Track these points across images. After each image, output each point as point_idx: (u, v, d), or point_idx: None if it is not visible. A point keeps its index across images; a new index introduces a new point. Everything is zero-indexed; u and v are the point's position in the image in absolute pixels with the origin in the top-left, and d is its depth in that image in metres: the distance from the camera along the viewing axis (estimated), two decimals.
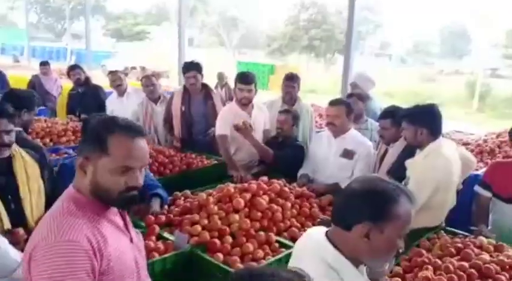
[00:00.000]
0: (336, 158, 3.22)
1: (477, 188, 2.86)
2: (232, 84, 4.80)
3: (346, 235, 1.32)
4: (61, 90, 6.98)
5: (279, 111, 3.68)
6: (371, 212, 1.28)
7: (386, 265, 1.39)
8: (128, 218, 1.46)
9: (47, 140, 4.14)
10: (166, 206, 2.70)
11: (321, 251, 1.36)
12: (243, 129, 3.45)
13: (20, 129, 2.76)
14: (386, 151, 3.19)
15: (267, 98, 8.67)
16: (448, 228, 2.63)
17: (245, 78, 3.64)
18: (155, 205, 2.51)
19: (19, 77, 9.81)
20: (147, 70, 19.50)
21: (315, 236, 1.45)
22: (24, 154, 2.25)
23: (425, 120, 2.60)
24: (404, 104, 3.29)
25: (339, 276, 1.30)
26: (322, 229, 1.47)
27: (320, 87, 19.31)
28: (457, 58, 35.15)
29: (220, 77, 9.58)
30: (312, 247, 1.41)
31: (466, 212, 2.85)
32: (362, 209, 1.30)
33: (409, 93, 18.48)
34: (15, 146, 2.20)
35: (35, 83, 6.79)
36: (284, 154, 3.43)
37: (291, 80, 4.11)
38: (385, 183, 1.34)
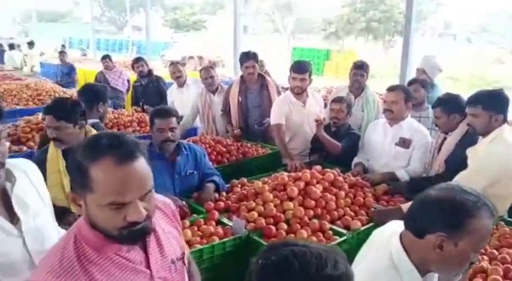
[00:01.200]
0: (392, 146, 3.20)
1: None
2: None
3: (417, 242, 1.29)
4: (128, 84, 6.72)
5: (332, 99, 3.70)
6: (447, 223, 1.24)
7: (457, 277, 1.34)
8: (151, 249, 1.20)
9: (115, 130, 4.45)
10: (224, 193, 2.87)
11: (392, 248, 1.34)
12: (320, 124, 3.43)
13: (98, 121, 3.01)
14: (444, 140, 3.13)
15: (322, 84, 8.66)
16: (509, 219, 2.57)
17: (298, 67, 3.69)
18: (208, 191, 2.74)
19: (87, 70, 10.47)
20: (204, 59, 19.98)
21: (390, 232, 1.43)
22: None
23: (501, 106, 2.51)
24: (470, 88, 3.19)
25: (400, 278, 1.28)
26: (399, 226, 1.40)
27: (379, 71, 18.76)
28: None
29: (260, 64, 9.69)
30: (386, 240, 1.40)
31: None
32: (438, 219, 1.25)
33: (474, 77, 17.51)
34: None
35: (100, 80, 6.64)
36: (341, 143, 3.44)
37: (361, 68, 4.07)
38: (466, 194, 1.26)
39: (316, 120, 3.41)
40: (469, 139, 2.82)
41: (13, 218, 1.30)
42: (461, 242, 1.23)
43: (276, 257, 0.94)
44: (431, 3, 32.38)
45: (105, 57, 6.93)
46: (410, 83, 3.86)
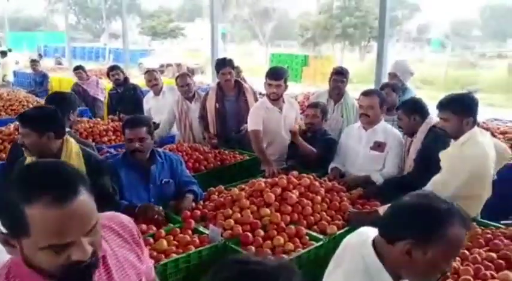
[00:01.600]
0: (367, 150, 3.25)
1: None
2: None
3: (389, 248, 1.28)
4: (105, 93, 6.71)
5: (308, 105, 3.73)
6: (416, 230, 1.23)
7: None
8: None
9: (90, 140, 4.38)
10: (201, 201, 2.85)
11: (365, 253, 1.34)
12: (295, 133, 3.47)
13: (70, 130, 2.96)
14: (410, 144, 3.19)
15: (300, 90, 8.72)
16: (481, 220, 2.62)
17: (274, 73, 3.70)
18: (187, 201, 2.72)
19: (63, 78, 10.32)
20: (182, 67, 19.90)
21: (364, 237, 1.42)
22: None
23: (470, 109, 2.55)
24: (446, 91, 3.26)
25: None
26: (373, 232, 1.40)
27: (355, 77, 19.01)
28: (500, 40, 33.59)
29: (237, 71, 9.76)
30: (360, 244, 1.40)
31: (502, 204, 2.82)
32: (407, 226, 1.24)
33: (448, 80, 17.92)
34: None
35: (79, 92, 6.43)
36: (316, 148, 3.48)
37: (341, 74, 4.13)
38: (439, 202, 1.25)
39: (291, 131, 3.43)
40: (432, 136, 2.93)
41: None
42: (430, 250, 1.22)
43: (223, 275, 0.91)
44: (405, 9, 33.11)
45: (78, 68, 6.75)
46: (382, 87, 3.93)
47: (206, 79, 11.96)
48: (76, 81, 6.67)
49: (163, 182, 2.81)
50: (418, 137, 3.05)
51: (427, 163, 2.77)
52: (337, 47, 29.36)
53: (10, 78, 11.93)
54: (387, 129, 3.26)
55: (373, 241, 1.35)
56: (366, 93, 3.28)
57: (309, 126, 3.61)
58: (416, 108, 3.04)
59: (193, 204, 2.77)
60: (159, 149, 3.04)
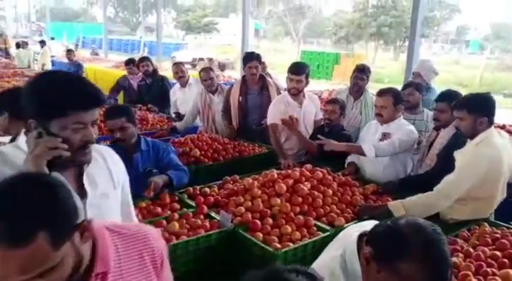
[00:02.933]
0: (376, 142, 3.25)
1: None
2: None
3: (362, 247, 1.33)
4: None
5: (327, 101, 3.77)
6: (378, 247, 1.24)
7: None
8: None
9: None
10: (216, 189, 2.94)
11: (349, 244, 1.38)
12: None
13: None
14: (436, 137, 3.17)
15: (330, 88, 8.72)
16: (493, 220, 2.60)
17: (295, 68, 3.75)
18: (158, 177, 2.63)
19: (97, 68, 10.67)
20: (214, 61, 20.14)
21: (355, 231, 1.45)
22: None
23: (485, 109, 2.54)
24: None
25: (345, 276, 1.33)
26: (369, 225, 1.40)
27: (387, 76, 18.75)
28: None
29: (262, 66, 9.79)
30: (347, 236, 1.45)
31: None
32: (376, 239, 1.27)
33: (483, 83, 17.41)
34: None
35: (125, 86, 6.15)
36: None
37: (362, 71, 4.16)
38: (424, 238, 1.18)
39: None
40: (461, 136, 2.83)
41: (81, 193, 1.34)
42: (383, 272, 1.21)
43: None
44: (444, 10, 32.23)
45: (130, 62, 6.28)
46: (406, 86, 3.91)
47: (236, 74, 12.10)
48: (125, 74, 6.36)
49: (146, 170, 2.77)
50: (446, 132, 3.02)
51: (449, 161, 2.70)
52: (371, 46, 28.97)
53: (48, 67, 12.42)
54: (401, 126, 3.25)
55: (362, 234, 1.38)
56: (380, 94, 3.29)
57: (328, 121, 3.65)
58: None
59: (208, 189, 2.86)
60: (148, 138, 3.02)
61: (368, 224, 1.47)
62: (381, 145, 3.18)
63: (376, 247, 1.24)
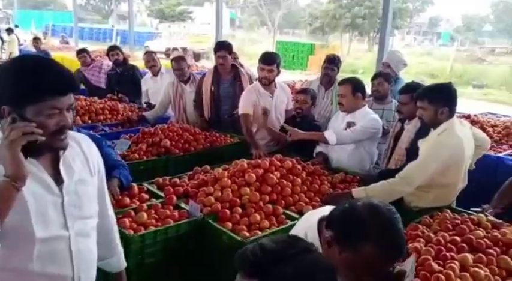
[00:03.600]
0: (341, 131, 3.30)
1: None
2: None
3: (323, 232, 1.36)
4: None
5: (297, 91, 3.80)
6: (338, 229, 1.28)
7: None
8: None
9: (86, 117, 4.47)
10: (186, 179, 2.93)
11: (309, 226, 1.42)
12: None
13: None
14: (401, 129, 3.24)
15: (305, 79, 8.76)
16: (456, 207, 2.69)
17: (266, 58, 3.76)
18: (112, 187, 2.44)
19: (66, 57, 10.39)
20: (188, 51, 19.90)
21: (315, 215, 1.49)
22: None
23: (446, 99, 2.60)
24: None
25: None
26: (327, 210, 1.43)
27: (362, 67, 18.98)
28: None
29: (234, 56, 9.78)
30: (307, 222, 1.49)
31: (479, 194, 2.88)
32: (336, 221, 1.30)
33: (453, 75, 17.82)
34: None
35: (81, 80, 5.95)
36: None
37: (332, 62, 4.22)
38: (379, 217, 1.25)
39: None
40: (427, 129, 2.90)
41: (58, 180, 1.36)
42: (344, 253, 1.26)
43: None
44: (417, 1, 32.73)
45: (82, 51, 6.22)
46: (375, 77, 3.97)
47: (210, 64, 12.01)
48: (79, 67, 6.14)
49: None
50: (413, 125, 3.08)
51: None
52: (346, 37, 29.20)
53: (16, 55, 12.03)
54: (366, 115, 3.29)
55: (321, 219, 1.41)
56: (340, 83, 3.37)
57: (299, 111, 3.68)
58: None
59: (178, 180, 2.85)
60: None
61: (326, 209, 1.50)
62: (342, 132, 3.24)
63: (335, 230, 1.29)
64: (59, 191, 1.36)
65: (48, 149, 1.34)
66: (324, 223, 1.38)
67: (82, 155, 1.47)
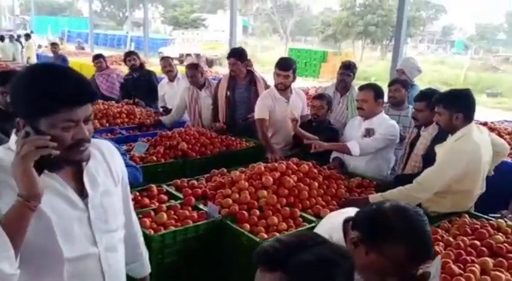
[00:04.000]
0: (361, 139, 3.31)
1: None
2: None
3: (349, 233, 1.37)
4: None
5: (313, 96, 3.82)
6: (364, 229, 1.30)
7: None
8: None
9: (104, 121, 4.55)
10: (204, 181, 2.97)
11: (333, 231, 1.42)
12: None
13: None
14: (417, 135, 3.24)
15: (318, 85, 8.78)
16: (474, 212, 2.68)
17: (283, 64, 3.80)
18: None
19: (83, 63, 10.56)
20: (201, 57, 20.07)
21: (339, 216, 1.49)
22: None
23: (461, 105, 2.59)
24: None
25: None
26: (350, 211, 1.45)
27: (374, 75, 18.94)
28: None
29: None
30: (331, 223, 1.49)
31: (497, 200, 2.87)
32: (362, 222, 1.32)
33: (467, 83, 17.67)
34: None
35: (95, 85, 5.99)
36: (320, 138, 3.53)
37: (348, 68, 4.25)
38: (407, 219, 1.25)
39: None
40: (443, 136, 2.89)
41: (82, 193, 1.30)
42: (372, 254, 1.27)
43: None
44: (431, 10, 32.61)
45: (98, 57, 6.31)
46: (392, 83, 3.99)
47: (224, 70, 12.11)
48: (94, 73, 6.23)
49: None
50: (429, 132, 3.07)
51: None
52: (358, 45, 29.17)
53: (33, 60, 12.27)
54: (383, 121, 3.31)
55: (346, 220, 1.43)
56: (361, 88, 3.37)
57: (315, 117, 3.70)
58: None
59: (195, 182, 2.89)
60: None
61: (349, 211, 1.51)
62: (364, 142, 3.24)
63: (362, 231, 1.29)
64: (84, 206, 1.30)
65: (67, 163, 1.26)
66: (349, 224, 1.39)
67: (105, 164, 1.40)
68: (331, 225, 1.48)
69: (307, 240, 0.98)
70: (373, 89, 3.29)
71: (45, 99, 1.14)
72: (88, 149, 1.26)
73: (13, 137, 1.26)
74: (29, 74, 1.20)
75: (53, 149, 1.16)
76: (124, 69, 6.90)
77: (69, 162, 1.26)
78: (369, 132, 3.28)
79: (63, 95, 1.15)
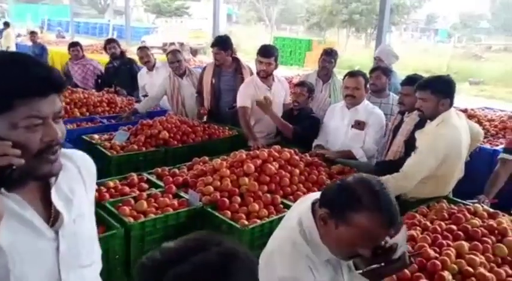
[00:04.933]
0: (348, 129, 3.34)
1: (503, 155, 2.93)
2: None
3: (316, 211, 1.40)
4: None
5: (295, 84, 3.82)
6: (332, 204, 1.33)
7: (344, 258, 1.38)
8: None
9: (84, 109, 4.48)
10: (185, 170, 2.96)
11: (302, 214, 1.44)
12: (264, 105, 3.59)
13: None
14: (401, 121, 3.27)
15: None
16: (452, 198, 2.73)
17: (264, 51, 3.77)
18: None
19: (63, 52, 10.33)
20: (185, 46, 19.83)
21: (306, 200, 1.53)
22: None
23: (449, 91, 2.62)
24: None
25: (306, 242, 1.38)
26: (317, 195, 1.48)
27: (358, 63, 18.99)
28: (509, 34, 33.28)
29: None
30: (299, 208, 1.51)
31: (473, 185, 2.92)
32: (329, 197, 1.35)
33: (450, 71, 17.85)
34: None
35: (67, 75, 5.84)
36: (300, 126, 3.57)
37: (329, 55, 4.25)
38: (367, 188, 1.29)
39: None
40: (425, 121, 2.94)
41: (49, 217, 1.01)
42: (341, 227, 1.30)
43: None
44: None
45: (75, 45, 6.05)
46: (373, 70, 4.00)
47: (208, 59, 11.99)
48: (67, 60, 6.06)
49: None
50: (412, 118, 3.09)
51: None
52: (343, 33, 29.18)
53: (13, 49, 11.97)
54: (368, 109, 3.34)
55: (313, 202, 1.45)
56: (352, 75, 3.35)
57: (296, 104, 3.69)
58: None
59: (177, 170, 2.87)
60: None
61: (316, 194, 1.54)
62: (367, 148, 3.30)
63: (330, 206, 1.33)
64: (54, 234, 1.02)
65: (33, 178, 0.98)
66: (317, 205, 1.42)
67: (80, 181, 1.13)
68: (299, 209, 1.50)
69: (196, 246, 0.84)
70: (363, 76, 3.31)
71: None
72: (59, 159, 1.00)
73: None
74: None
75: (15, 158, 0.88)
76: (104, 59, 6.76)
77: (35, 176, 0.97)
78: (359, 125, 3.29)
79: (18, 83, 0.91)
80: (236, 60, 4.40)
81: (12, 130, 0.91)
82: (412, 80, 3.14)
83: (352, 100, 3.33)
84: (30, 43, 9.89)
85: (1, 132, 0.90)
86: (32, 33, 9.31)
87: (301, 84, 3.72)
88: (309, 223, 1.40)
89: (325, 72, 4.24)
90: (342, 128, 3.37)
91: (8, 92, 0.90)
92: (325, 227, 1.34)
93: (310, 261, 1.35)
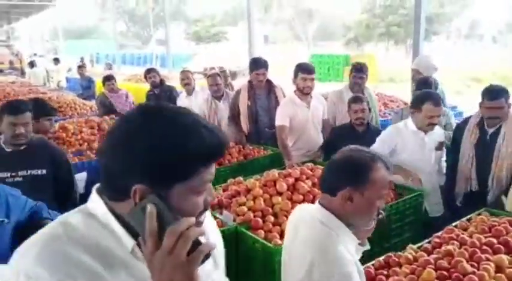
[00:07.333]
0: (432, 152, 3.17)
1: None
2: None
3: (333, 200, 1.46)
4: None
5: (351, 100, 3.64)
6: (351, 178, 1.43)
7: (371, 223, 1.48)
8: None
9: None
10: (221, 191, 3.02)
11: (315, 214, 1.49)
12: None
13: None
14: (481, 137, 3.11)
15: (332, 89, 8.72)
16: (493, 210, 2.61)
17: (307, 68, 3.83)
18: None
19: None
20: (225, 71, 20.25)
21: (308, 207, 1.61)
22: None
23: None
24: None
25: (334, 232, 1.42)
26: (310, 206, 1.61)
27: (399, 76, 18.61)
28: None
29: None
30: (308, 213, 1.54)
31: None
32: (343, 176, 1.45)
33: (499, 78, 17.14)
34: None
35: (106, 105, 6.00)
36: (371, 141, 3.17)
37: (360, 71, 4.23)
38: (362, 152, 1.48)
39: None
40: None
41: None
42: (366, 191, 1.42)
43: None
44: (455, 5, 31.92)
45: (110, 79, 6.14)
46: (421, 84, 3.88)
47: (242, 82, 12.20)
48: (104, 91, 6.15)
49: None
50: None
51: None
52: (381, 46, 28.84)
53: (63, 83, 12.75)
54: (439, 130, 3.25)
55: (320, 203, 1.51)
56: (496, 96, 2.99)
57: (361, 120, 3.55)
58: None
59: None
60: None
61: (305, 206, 1.68)
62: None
63: (350, 181, 1.42)
64: None
65: None
66: (325, 200, 1.49)
67: None
68: (309, 212, 1.54)
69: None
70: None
71: (187, 156, 0.84)
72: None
73: (97, 199, 0.91)
74: (151, 124, 0.84)
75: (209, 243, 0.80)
76: (145, 88, 7.01)
77: None
78: (440, 146, 3.21)
79: (210, 148, 0.86)
80: (268, 82, 4.48)
81: (186, 197, 0.86)
82: (502, 92, 3.00)
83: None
84: (79, 76, 10.49)
85: (176, 200, 0.85)
86: (80, 68, 9.87)
87: (358, 100, 3.58)
88: (330, 217, 1.46)
89: (357, 88, 4.21)
90: (424, 152, 3.14)
91: (199, 157, 0.85)
92: (353, 204, 1.42)
93: (345, 249, 1.41)
